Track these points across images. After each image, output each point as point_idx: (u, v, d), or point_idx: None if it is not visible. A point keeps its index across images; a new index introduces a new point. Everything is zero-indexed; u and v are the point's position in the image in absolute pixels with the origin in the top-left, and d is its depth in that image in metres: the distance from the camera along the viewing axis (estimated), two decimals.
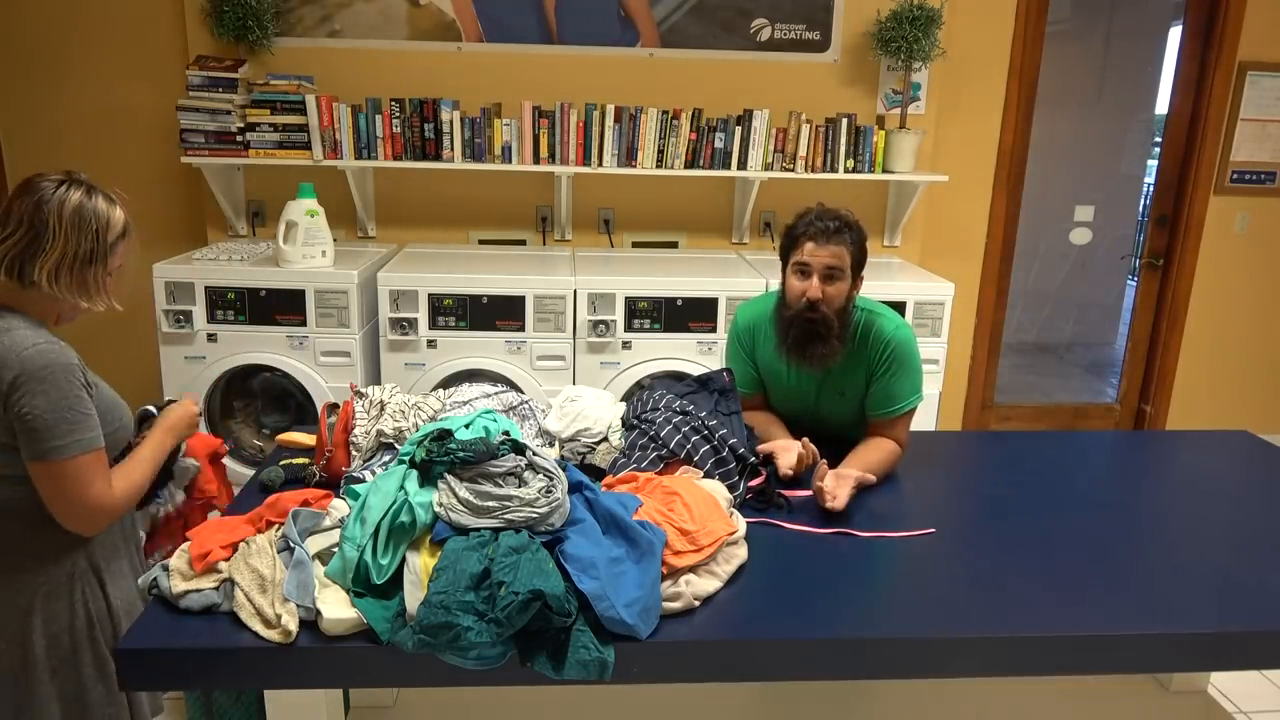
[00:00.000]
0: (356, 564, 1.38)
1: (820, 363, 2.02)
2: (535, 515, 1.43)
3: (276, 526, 1.51)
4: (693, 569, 1.49)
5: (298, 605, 1.35)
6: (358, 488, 1.57)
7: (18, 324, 1.45)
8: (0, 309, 1.47)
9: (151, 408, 1.72)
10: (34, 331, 1.45)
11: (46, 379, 1.41)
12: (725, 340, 2.26)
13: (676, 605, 1.42)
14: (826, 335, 1.98)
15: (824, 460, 1.86)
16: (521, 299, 3.12)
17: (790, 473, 1.92)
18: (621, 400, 2.13)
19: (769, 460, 1.97)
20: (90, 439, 1.45)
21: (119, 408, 1.59)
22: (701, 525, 1.54)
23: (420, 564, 1.38)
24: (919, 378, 2.07)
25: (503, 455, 1.50)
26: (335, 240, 3.26)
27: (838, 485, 1.79)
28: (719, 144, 3.48)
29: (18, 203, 1.46)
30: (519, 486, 1.47)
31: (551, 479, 1.50)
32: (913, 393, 2.05)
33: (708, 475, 1.81)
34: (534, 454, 1.53)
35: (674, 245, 3.85)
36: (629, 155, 3.47)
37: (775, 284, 2.20)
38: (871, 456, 1.97)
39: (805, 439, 1.95)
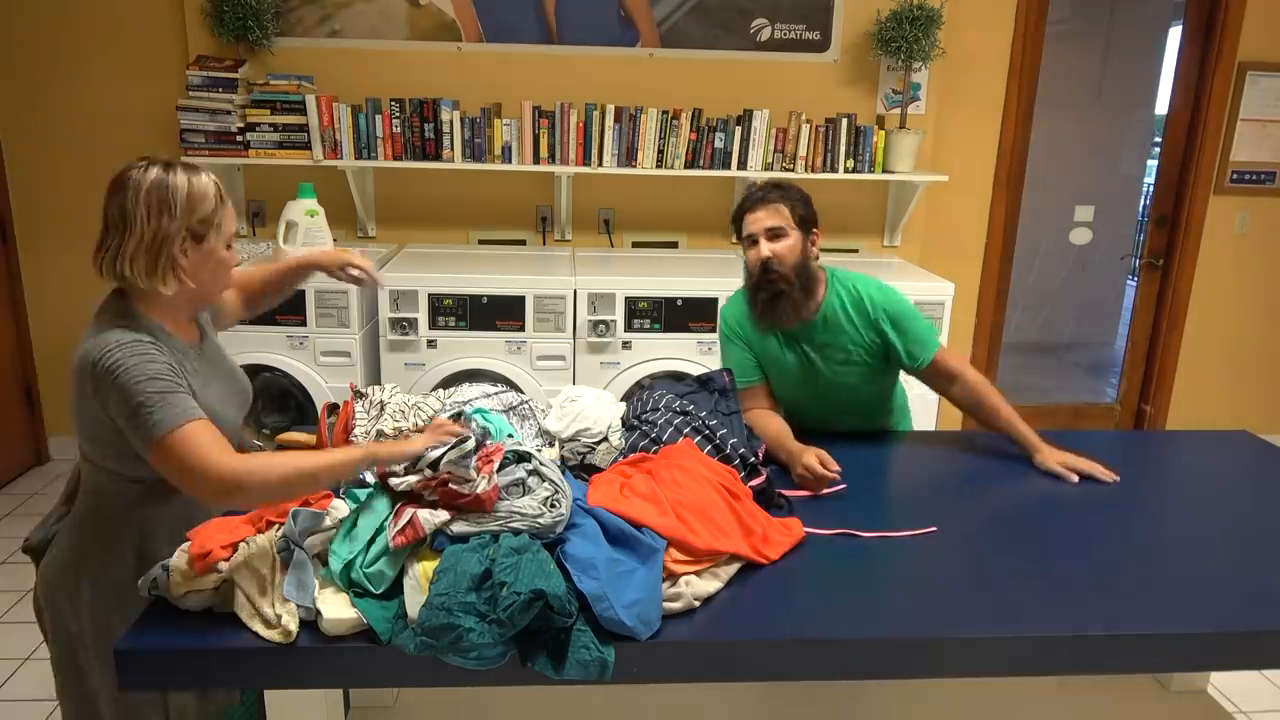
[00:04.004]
0: (346, 575, 1.38)
1: (789, 319, 2.08)
2: (538, 528, 1.43)
3: (276, 526, 1.51)
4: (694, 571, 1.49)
5: (298, 605, 1.35)
6: (356, 491, 1.57)
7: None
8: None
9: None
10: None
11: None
12: (718, 342, 2.28)
13: (676, 605, 1.42)
14: (788, 291, 2.06)
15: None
16: (521, 299, 3.12)
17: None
18: (621, 400, 2.13)
19: (769, 460, 1.98)
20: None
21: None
22: (708, 546, 1.53)
23: (420, 569, 1.37)
24: (921, 317, 2.17)
25: (506, 467, 1.50)
26: (335, 240, 3.26)
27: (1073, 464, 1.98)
28: (719, 144, 3.49)
29: (112, 201, 1.46)
30: (523, 494, 1.47)
31: (556, 490, 1.49)
32: (930, 329, 2.17)
33: None
34: (540, 464, 1.52)
35: (674, 245, 3.85)
36: (629, 155, 3.47)
37: None
38: (1004, 412, 2.09)
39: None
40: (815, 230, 2.14)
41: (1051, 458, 2.01)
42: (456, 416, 1.58)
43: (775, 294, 2.06)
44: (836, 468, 1.85)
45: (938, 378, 2.17)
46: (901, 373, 2.24)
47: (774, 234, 2.07)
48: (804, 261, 2.09)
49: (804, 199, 2.12)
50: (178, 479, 1.42)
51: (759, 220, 2.07)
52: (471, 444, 1.44)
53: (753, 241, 2.09)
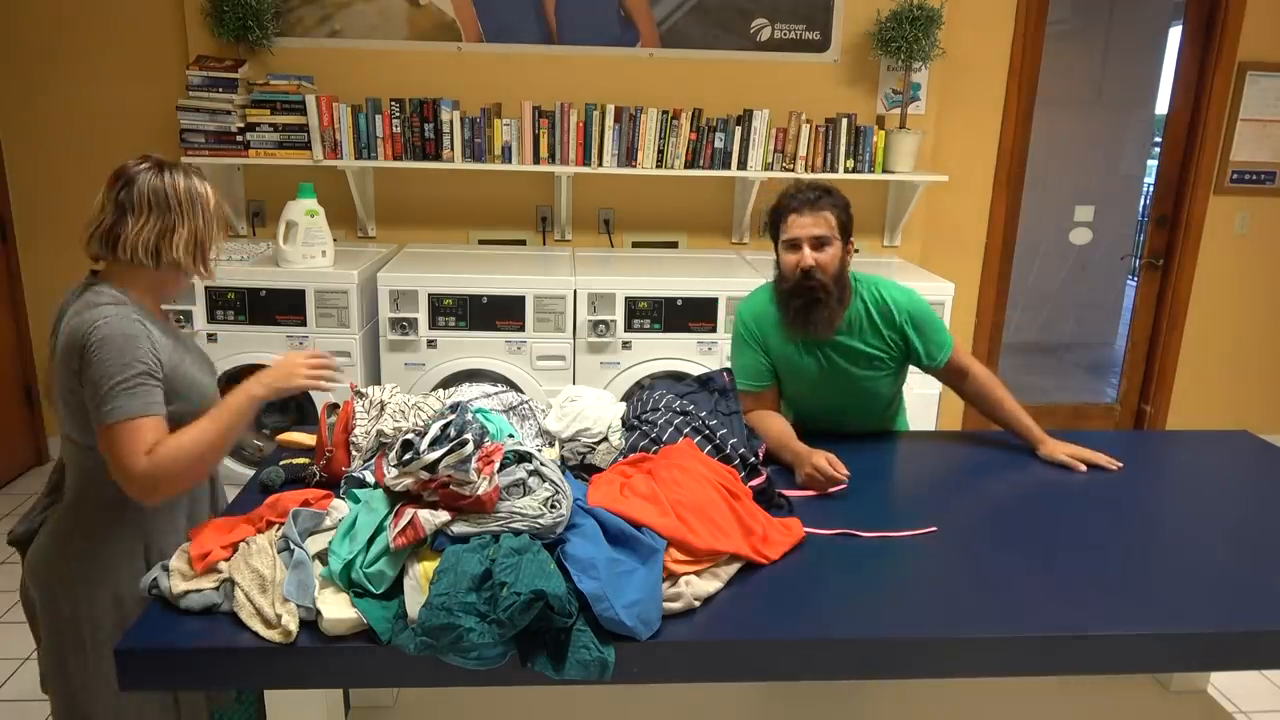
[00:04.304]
0: (346, 575, 1.38)
1: (824, 329, 2.07)
2: (538, 528, 1.43)
3: (277, 526, 1.51)
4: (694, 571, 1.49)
5: (298, 605, 1.35)
6: (355, 491, 1.57)
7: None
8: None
9: None
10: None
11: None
12: (730, 341, 2.27)
13: (677, 605, 1.42)
14: (826, 300, 2.04)
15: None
16: (521, 299, 3.12)
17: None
18: (621, 400, 2.13)
19: (769, 460, 1.98)
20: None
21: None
22: (708, 546, 1.53)
23: (420, 570, 1.37)
24: (937, 316, 2.23)
25: (506, 467, 1.49)
26: (335, 240, 3.27)
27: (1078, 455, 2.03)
28: (719, 144, 3.49)
29: (134, 191, 1.55)
30: (523, 494, 1.47)
31: (556, 490, 1.49)
32: (945, 327, 2.22)
33: None
34: (540, 464, 1.52)
35: (674, 245, 3.85)
36: (629, 155, 3.47)
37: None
38: (1008, 404, 2.17)
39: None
40: (852, 239, 2.11)
41: (1058, 449, 2.05)
42: (454, 409, 1.58)
43: (812, 302, 2.04)
44: (845, 471, 1.85)
45: (951, 375, 2.20)
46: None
47: (819, 242, 2.03)
48: (842, 271, 2.07)
49: (847, 206, 2.09)
50: (112, 469, 1.48)
51: (805, 226, 2.03)
52: (470, 447, 1.44)
53: (794, 246, 2.04)
